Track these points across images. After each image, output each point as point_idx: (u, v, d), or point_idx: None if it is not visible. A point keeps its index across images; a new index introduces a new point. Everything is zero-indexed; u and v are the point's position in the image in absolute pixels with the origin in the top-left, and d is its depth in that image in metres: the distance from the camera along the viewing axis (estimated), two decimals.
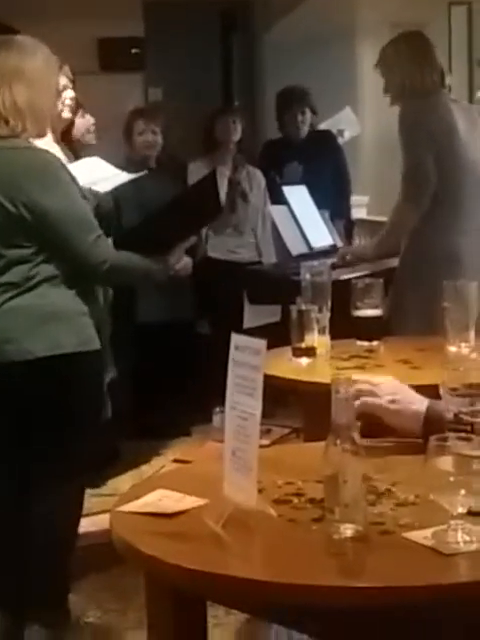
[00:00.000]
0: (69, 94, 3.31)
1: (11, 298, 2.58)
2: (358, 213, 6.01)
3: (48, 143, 2.83)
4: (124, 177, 3.16)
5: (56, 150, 3.03)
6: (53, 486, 2.62)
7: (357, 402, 1.84)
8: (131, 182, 3.16)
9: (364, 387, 1.93)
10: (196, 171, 5.17)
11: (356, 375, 1.89)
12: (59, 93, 2.89)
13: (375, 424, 1.93)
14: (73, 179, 2.66)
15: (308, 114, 5.52)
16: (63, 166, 2.66)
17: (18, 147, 2.61)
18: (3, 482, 2.69)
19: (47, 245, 2.58)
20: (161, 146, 5.01)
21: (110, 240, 2.73)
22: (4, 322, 2.58)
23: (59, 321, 2.60)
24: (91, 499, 3.60)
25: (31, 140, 2.66)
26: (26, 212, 2.55)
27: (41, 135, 2.69)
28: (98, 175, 3.04)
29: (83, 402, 2.65)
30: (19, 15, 5.49)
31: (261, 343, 1.60)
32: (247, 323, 4.45)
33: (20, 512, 2.65)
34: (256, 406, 1.58)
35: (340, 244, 4.97)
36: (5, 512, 2.68)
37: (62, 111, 3.21)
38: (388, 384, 1.99)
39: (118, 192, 3.14)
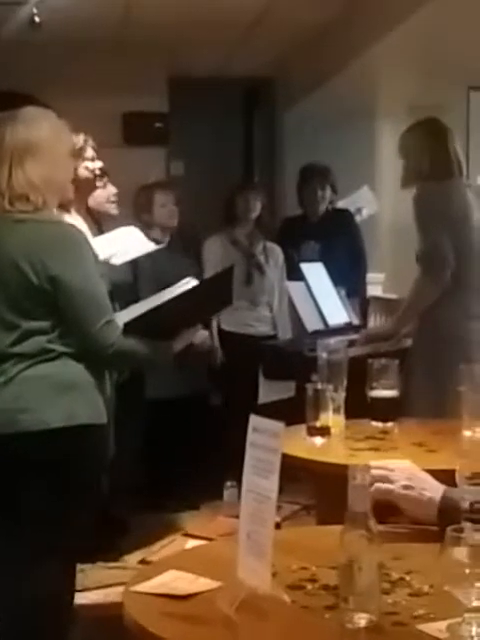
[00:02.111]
0: (98, 165, 3.36)
1: (26, 368, 2.58)
2: (373, 290, 6.03)
3: (73, 217, 2.87)
4: (151, 247, 3.19)
5: (80, 223, 3.06)
6: (50, 560, 2.59)
7: (371, 488, 1.83)
8: (148, 256, 3.20)
9: (378, 472, 1.92)
10: (212, 246, 5.23)
11: (373, 461, 1.88)
12: (76, 158, 2.90)
13: (389, 506, 1.92)
14: (95, 256, 2.69)
15: (328, 191, 5.58)
16: (87, 242, 2.68)
17: (45, 220, 2.62)
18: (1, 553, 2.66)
19: (62, 320, 2.59)
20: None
21: (123, 315, 2.72)
22: (19, 391, 2.57)
23: (74, 392, 2.60)
24: (100, 572, 3.58)
25: (56, 212, 2.68)
26: (48, 285, 2.55)
27: (63, 203, 2.71)
28: (130, 244, 3.07)
29: (89, 474, 2.64)
30: (45, 89, 5.61)
31: (279, 426, 1.61)
32: (262, 398, 4.45)
33: (17, 585, 2.61)
34: (272, 489, 1.58)
35: (356, 322, 4.99)
36: (2, 586, 2.64)
37: (92, 181, 3.25)
38: (403, 469, 1.98)
39: (136, 265, 3.18)
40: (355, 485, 1.53)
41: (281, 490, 1.59)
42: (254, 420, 1.65)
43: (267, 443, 1.61)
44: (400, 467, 1.99)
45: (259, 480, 1.61)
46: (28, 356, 2.57)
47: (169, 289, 2.79)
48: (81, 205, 3.24)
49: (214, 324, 5.11)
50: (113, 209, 4.29)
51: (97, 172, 3.25)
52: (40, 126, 2.66)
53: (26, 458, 2.57)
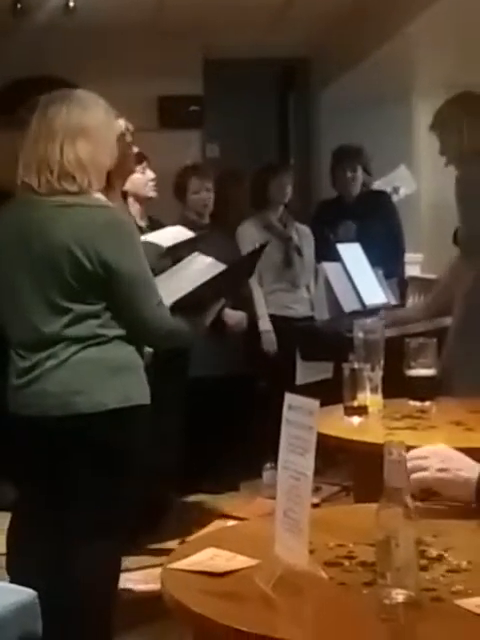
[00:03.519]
0: (134, 150, 3.36)
1: (79, 351, 2.60)
2: (412, 271, 5.99)
3: (118, 204, 2.88)
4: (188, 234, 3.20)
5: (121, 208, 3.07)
6: (99, 540, 2.62)
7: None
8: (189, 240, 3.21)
9: (411, 463, 1.89)
10: (247, 231, 5.22)
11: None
12: (120, 145, 2.92)
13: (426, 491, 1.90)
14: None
15: (359, 172, 5.54)
16: (136, 228, 2.70)
17: (94, 205, 2.63)
18: (50, 533, 2.69)
19: (114, 304, 2.62)
20: (213, 203, 5.07)
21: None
22: (73, 374, 2.60)
23: (127, 373, 2.64)
24: (140, 553, 3.60)
25: (100, 197, 2.69)
26: (101, 270, 2.57)
27: (101, 189, 2.73)
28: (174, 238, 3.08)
29: (138, 453, 2.68)
30: (82, 73, 5.64)
31: (314, 404, 1.60)
32: (299, 380, 4.44)
33: (64, 566, 2.63)
34: (308, 466, 1.58)
35: (394, 302, 4.96)
36: (49, 565, 2.67)
37: (131, 166, 3.25)
38: (436, 452, 1.96)
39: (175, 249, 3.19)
40: (391, 460, 1.53)
41: (322, 472, 1.59)
42: (289, 398, 1.65)
43: (302, 421, 1.60)
44: (433, 450, 1.97)
45: (295, 457, 1.61)
46: (80, 339, 2.60)
47: (182, 264, 2.83)
48: (118, 190, 3.25)
49: (265, 310, 5.11)
50: (151, 192, 4.32)
51: (134, 158, 3.26)
52: (96, 110, 2.69)
53: (80, 439, 2.60)
